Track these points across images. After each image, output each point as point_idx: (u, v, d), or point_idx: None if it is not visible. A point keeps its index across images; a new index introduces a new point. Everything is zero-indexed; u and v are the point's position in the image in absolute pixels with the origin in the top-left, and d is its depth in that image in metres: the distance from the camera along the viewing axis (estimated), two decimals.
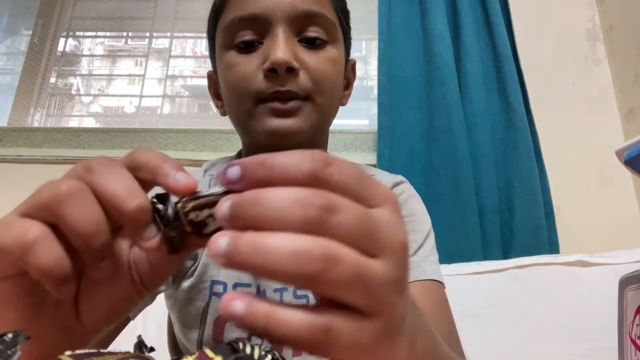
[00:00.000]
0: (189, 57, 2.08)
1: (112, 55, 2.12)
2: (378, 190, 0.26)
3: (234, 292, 0.24)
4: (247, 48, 0.58)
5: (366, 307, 0.24)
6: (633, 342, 0.54)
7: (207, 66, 2.11)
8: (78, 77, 2.05)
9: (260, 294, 0.59)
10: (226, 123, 1.80)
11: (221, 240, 0.23)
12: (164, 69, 1.91)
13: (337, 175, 0.24)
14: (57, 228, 0.28)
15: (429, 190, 1.43)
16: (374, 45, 1.69)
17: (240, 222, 0.23)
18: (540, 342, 1.06)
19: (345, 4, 0.68)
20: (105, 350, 0.26)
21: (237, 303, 0.23)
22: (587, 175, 1.52)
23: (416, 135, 1.48)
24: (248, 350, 0.24)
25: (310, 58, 0.58)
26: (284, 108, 0.55)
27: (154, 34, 1.93)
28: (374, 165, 1.47)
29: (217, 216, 0.24)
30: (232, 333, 0.59)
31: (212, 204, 0.26)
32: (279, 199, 0.23)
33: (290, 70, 0.55)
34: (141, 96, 1.85)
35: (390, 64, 1.55)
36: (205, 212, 0.27)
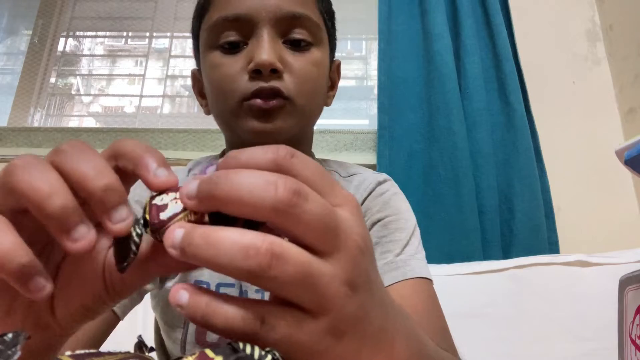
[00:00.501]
0: (189, 57, 2.07)
1: (112, 55, 2.12)
2: (340, 190, 0.26)
3: (181, 284, 0.24)
4: (232, 49, 0.58)
5: (311, 305, 0.24)
6: (633, 342, 0.54)
7: None
8: (78, 77, 2.05)
9: (242, 294, 0.59)
10: None
11: (177, 232, 0.23)
12: (164, 68, 1.91)
13: (300, 167, 0.25)
14: (24, 217, 0.26)
15: (428, 190, 1.43)
16: (374, 45, 1.69)
17: (207, 202, 0.24)
18: (540, 342, 1.06)
19: (330, 5, 0.67)
20: (106, 351, 0.26)
21: (183, 293, 0.23)
22: (587, 175, 1.52)
23: (416, 135, 1.48)
24: (248, 350, 0.24)
25: (295, 60, 0.58)
26: (266, 108, 0.55)
27: (154, 34, 1.93)
28: (374, 166, 1.47)
29: (183, 194, 0.24)
30: (214, 334, 0.59)
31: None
32: (252, 178, 0.23)
33: (275, 72, 0.55)
34: (141, 96, 1.85)
35: (390, 63, 1.55)
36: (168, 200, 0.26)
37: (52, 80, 1.90)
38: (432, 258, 1.36)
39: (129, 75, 2.09)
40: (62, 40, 1.93)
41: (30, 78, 1.83)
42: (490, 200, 1.39)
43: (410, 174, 1.45)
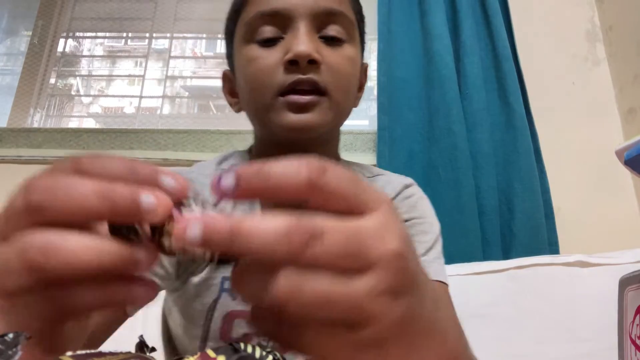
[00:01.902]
0: (189, 57, 2.08)
1: (112, 55, 2.12)
2: (372, 195, 0.25)
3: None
4: (267, 44, 0.58)
5: (349, 322, 0.24)
6: (633, 342, 0.54)
7: (207, 67, 2.11)
8: (78, 78, 2.05)
9: None
10: (226, 123, 1.80)
11: (194, 225, 0.22)
12: (163, 69, 1.91)
13: (333, 183, 0.24)
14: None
15: (428, 190, 1.41)
16: (374, 45, 1.69)
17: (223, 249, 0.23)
18: (540, 342, 1.06)
19: (361, 8, 0.68)
20: (107, 351, 0.26)
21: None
22: (587, 175, 1.52)
23: (416, 135, 1.48)
24: (249, 350, 0.24)
25: (331, 54, 0.58)
26: (302, 101, 0.55)
27: (154, 35, 1.93)
28: (374, 167, 1.47)
29: (185, 237, 0.22)
30: (240, 329, 0.59)
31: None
32: (263, 232, 0.22)
33: (312, 62, 0.55)
34: (141, 97, 1.85)
35: (389, 64, 1.55)
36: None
37: (52, 81, 1.90)
38: None
39: (129, 76, 2.09)
40: (61, 41, 1.93)
41: (30, 79, 1.83)
42: (490, 200, 1.39)
43: (410, 175, 1.42)
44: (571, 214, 1.46)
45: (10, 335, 0.24)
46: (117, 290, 0.24)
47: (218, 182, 0.23)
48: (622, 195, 1.50)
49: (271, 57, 0.57)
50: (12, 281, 0.23)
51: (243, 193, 0.23)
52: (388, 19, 1.59)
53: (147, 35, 1.93)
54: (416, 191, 0.70)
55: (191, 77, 2.03)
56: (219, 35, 2.08)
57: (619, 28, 1.61)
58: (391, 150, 1.47)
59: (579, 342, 1.04)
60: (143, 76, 1.88)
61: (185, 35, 1.99)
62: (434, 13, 1.54)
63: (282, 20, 0.57)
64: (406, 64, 1.55)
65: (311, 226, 0.23)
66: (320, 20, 0.58)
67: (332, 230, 0.23)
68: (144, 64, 1.90)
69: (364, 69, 0.71)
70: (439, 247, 0.66)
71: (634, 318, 0.55)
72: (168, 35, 1.94)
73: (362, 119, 1.76)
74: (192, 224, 0.22)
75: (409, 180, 0.72)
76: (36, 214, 0.24)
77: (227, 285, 0.60)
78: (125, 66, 2.08)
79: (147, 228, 0.24)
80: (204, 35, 2.03)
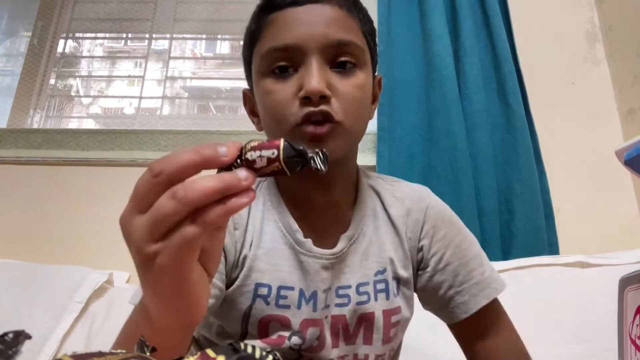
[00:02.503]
0: (189, 58, 2.08)
1: (112, 56, 2.12)
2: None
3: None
4: (282, 72, 0.61)
5: None
6: (633, 342, 0.54)
7: (207, 67, 2.11)
8: (77, 79, 2.05)
9: (301, 294, 0.65)
10: (226, 124, 1.80)
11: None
12: (163, 70, 1.91)
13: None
14: None
15: None
16: None
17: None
18: (540, 343, 1.06)
19: (372, 24, 0.70)
20: (107, 351, 0.26)
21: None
22: (586, 176, 1.52)
23: (416, 136, 1.48)
24: (249, 350, 0.24)
25: (341, 85, 0.61)
26: (318, 133, 0.59)
27: (154, 35, 1.93)
28: (374, 167, 1.47)
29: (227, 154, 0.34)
30: (275, 330, 0.64)
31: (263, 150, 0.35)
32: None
33: (323, 97, 0.59)
34: (141, 97, 1.85)
35: (389, 65, 1.55)
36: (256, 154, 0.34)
37: (52, 81, 1.90)
38: None
39: (129, 76, 2.09)
40: (61, 42, 1.93)
41: (30, 80, 1.83)
42: (490, 201, 1.39)
43: (410, 175, 1.45)
44: (571, 215, 1.46)
45: (10, 335, 0.24)
46: (232, 199, 0.33)
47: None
48: (622, 195, 1.50)
49: (286, 91, 0.60)
50: (169, 218, 0.32)
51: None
52: (388, 19, 1.59)
53: (147, 36, 1.93)
54: (440, 204, 0.77)
55: (191, 78, 2.03)
56: (219, 36, 2.08)
57: (618, 28, 1.61)
58: (391, 151, 1.47)
59: (579, 343, 1.04)
60: (143, 77, 1.88)
61: (184, 35, 1.99)
62: (433, 14, 1.54)
63: (295, 54, 0.60)
64: (406, 64, 1.55)
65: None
66: (331, 51, 0.61)
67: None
68: (143, 65, 1.90)
69: (378, 80, 0.73)
70: (483, 252, 0.73)
71: (634, 318, 0.55)
72: (168, 36, 1.94)
73: None
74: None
75: (428, 190, 0.78)
76: (162, 176, 0.33)
77: (260, 291, 0.64)
78: (125, 67, 2.08)
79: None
80: (204, 36, 2.03)
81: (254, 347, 0.25)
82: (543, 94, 1.58)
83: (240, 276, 0.64)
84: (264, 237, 0.66)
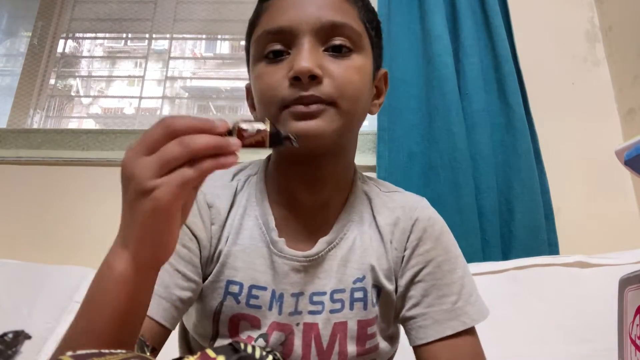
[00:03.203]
0: (189, 58, 2.08)
1: (112, 56, 2.12)
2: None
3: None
4: (276, 57, 0.60)
5: None
6: (633, 342, 0.54)
7: (207, 67, 2.11)
8: (77, 79, 2.05)
9: (273, 295, 0.63)
10: None
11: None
12: (163, 70, 1.92)
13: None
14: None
15: (428, 191, 1.43)
16: None
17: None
18: (540, 343, 1.06)
19: (375, 16, 0.69)
20: (107, 351, 0.26)
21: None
22: (586, 176, 1.52)
23: (415, 136, 1.48)
24: (249, 350, 0.24)
25: (335, 66, 0.59)
26: (306, 111, 0.57)
27: (154, 36, 1.93)
28: (374, 167, 1.47)
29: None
30: (245, 331, 0.62)
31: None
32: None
33: (314, 78, 0.57)
34: (141, 97, 1.85)
35: (389, 65, 1.55)
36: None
37: (52, 81, 1.90)
38: None
39: (129, 76, 2.09)
40: (61, 42, 1.93)
41: (30, 80, 1.83)
42: (490, 201, 1.39)
43: (410, 175, 1.45)
44: (571, 215, 1.46)
45: (10, 335, 0.24)
46: (222, 157, 0.40)
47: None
48: (622, 195, 1.50)
49: (277, 73, 0.59)
50: (174, 160, 0.39)
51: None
52: (388, 20, 1.59)
53: (147, 36, 1.93)
54: (434, 218, 0.70)
55: (191, 78, 2.03)
56: (219, 36, 2.08)
57: (618, 28, 1.61)
58: (391, 151, 1.47)
59: (579, 343, 1.04)
60: (143, 77, 1.88)
61: (184, 36, 1.99)
62: (433, 14, 1.54)
63: (287, 37, 0.59)
64: (406, 64, 1.55)
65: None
66: (325, 33, 0.59)
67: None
68: (143, 65, 1.90)
69: (382, 75, 0.70)
70: (471, 280, 0.67)
71: (634, 318, 0.55)
72: (168, 36, 1.94)
73: None
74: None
75: (423, 202, 0.72)
76: (171, 128, 0.40)
77: (231, 289, 0.62)
78: (125, 67, 2.09)
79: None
80: (204, 36, 2.03)
81: (254, 347, 0.25)
82: (543, 94, 1.58)
83: (214, 272, 0.63)
84: (242, 234, 0.64)
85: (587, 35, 1.69)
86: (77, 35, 1.99)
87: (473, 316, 0.63)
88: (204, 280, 0.63)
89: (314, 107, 0.57)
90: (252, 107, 0.69)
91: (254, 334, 0.62)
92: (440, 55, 1.49)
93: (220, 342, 0.62)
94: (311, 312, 0.62)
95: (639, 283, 0.56)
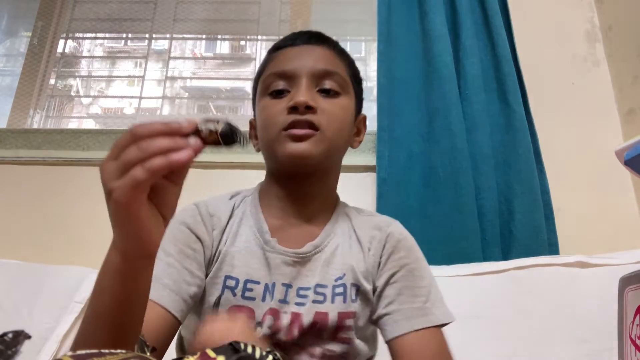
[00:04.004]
0: (189, 58, 2.08)
1: (112, 56, 2.12)
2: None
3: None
4: (278, 95, 0.75)
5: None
6: (633, 342, 0.54)
7: (207, 67, 2.12)
8: (77, 79, 2.05)
9: (266, 288, 0.72)
10: None
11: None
12: (163, 70, 1.92)
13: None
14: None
15: (428, 191, 1.43)
16: (373, 46, 1.69)
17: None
18: (540, 343, 1.06)
19: (358, 72, 0.84)
20: (106, 351, 0.26)
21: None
22: (586, 176, 1.52)
23: (415, 136, 1.48)
24: (249, 350, 0.24)
25: (325, 103, 0.74)
26: (299, 134, 0.70)
27: (154, 36, 1.93)
28: (374, 167, 1.47)
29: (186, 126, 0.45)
30: None
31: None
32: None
33: (309, 108, 0.71)
34: (141, 97, 1.85)
35: (389, 65, 1.55)
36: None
37: (52, 81, 1.90)
38: (432, 259, 1.34)
39: (129, 76, 2.09)
40: (61, 42, 1.93)
41: (30, 80, 1.83)
42: (490, 201, 1.39)
43: (410, 175, 1.45)
44: (571, 215, 1.46)
45: (10, 335, 0.24)
46: (172, 154, 0.42)
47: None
48: (622, 195, 1.50)
49: (279, 105, 0.73)
50: (130, 163, 0.41)
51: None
52: (388, 20, 1.59)
53: (147, 36, 1.93)
54: (405, 234, 0.81)
55: (191, 78, 2.03)
56: (219, 36, 2.08)
57: (618, 28, 1.62)
58: (391, 151, 1.47)
59: (579, 343, 1.04)
60: (143, 77, 1.88)
61: (184, 36, 1.99)
62: (433, 14, 1.54)
63: (289, 78, 0.74)
64: (406, 65, 1.55)
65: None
66: (318, 77, 0.75)
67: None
68: (143, 65, 1.90)
69: (362, 119, 0.86)
70: (437, 289, 0.76)
71: (634, 318, 0.55)
72: (168, 36, 1.94)
73: None
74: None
75: (397, 222, 0.83)
76: (136, 136, 0.42)
77: (228, 283, 0.71)
78: (125, 67, 2.09)
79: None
80: (204, 36, 2.03)
81: (254, 347, 0.25)
82: (543, 94, 1.58)
83: (214, 269, 0.72)
84: (239, 238, 0.75)
85: (587, 35, 1.69)
86: (77, 35, 1.99)
87: (440, 317, 0.71)
88: (206, 278, 0.73)
89: (304, 132, 0.70)
90: (255, 137, 0.83)
91: (251, 324, 0.69)
92: (440, 55, 1.49)
93: None
94: (297, 304, 0.71)
95: (639, 283, 0.56)
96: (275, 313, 0.70)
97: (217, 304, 0.70)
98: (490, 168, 1.42)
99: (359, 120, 0.85)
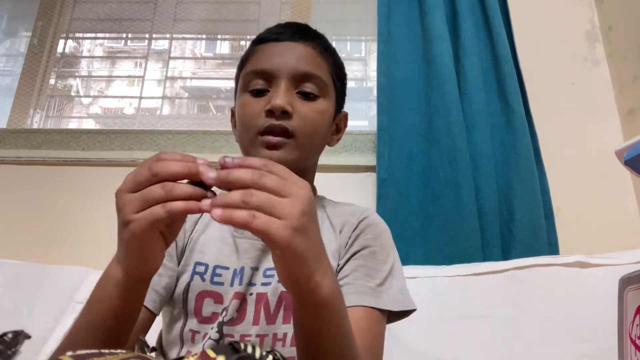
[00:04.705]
0: (189, 58, 2.08)
1: (112, 56, 2.12)
2: (294, 188, 0.47)
3: (208, 200, 0.45)
4: (258, 94, 0.75)
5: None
6: (633, 342, 0.54)
7: (207, 67, 2.12)
8: (77, 79, 2.05)
9: (236, 273, 0.73)
10: (226, 124, 1.81)
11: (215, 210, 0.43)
12: (163, 70, 1.92)
13: (268, 183, 0.45)
14: None
15: (428, 191, 1.43)
16: (373, 46, 1.69)
17: (221, 184, 0.46)
18: (540, 343, 1.06)
19: (341, 70, 0.85)
20: (106, 351, 0.26)
21: (216, 210, 0.43)
22: (586, 176, 1.52)
23: (415, 136, 1.48)
24: (249, 350, 0.24)
25: (303, 107, 0.74)
26: (273, 142, 0.72)
27: (154, 36, 1.93)
28: (374, 167, 1.48)
29: (208, 176, 0.45)
30: (208, 307, 0.71)
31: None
32: (245, 174, 0.45)
33: (285, 113, 0.72)
34: (141, 97, 1.85)
35: (389, 65, 1.55)
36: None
37: (52, 81, 1.90)
38: (432, 259, 1.36)
39: (129, 76, 2.09)
40: (61, 42, 1.93)
41: (30, 80, 1.83)
42: (490, 201, 1.39)
43: (410, 175, 1.45)
44: (571, 215, 1.46)
45: (10, 335, 0.24)
46: (192, 204, 0.45)
47: (224, 160, 0.46)
48: (622, 195, 1.50)
49: (257, 105, 0.74)
50: (154, 200, 0.45)
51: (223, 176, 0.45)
52: (387, 19, 1.59)
53: (147, 36, 1.93)
54: (379, 221, 0.81)
55: (191, 78, 2.03)
56: (219, 36, 2.08)
57: (618, 28, 1.62)
58: (391, 151, 1.47)
59: (579, 343, 1.04)
60: (143, 77, 1.88)
61: (184, 36, 1.99)
62: (433, 14, 1.54)
63: (269, 77, 0.75)
64: (406, 64, 1.55)
65: (251, 193, 0.44)
66: (298, 79, 0.75)
67: (259, 195, 0.44)
68: (143, 65, 1.90)
69: (343, 116, 0.87)
70: (399, 279, 0.76)
71: (634, 318, 0.55)
72: (168, 36, 1.94)
73: (362, 120, 1.76)
74: (208, 171, 0.46)
75: (371, 210, 0.84)
76: (158, 176, 0.46)
77: (198, 269, 0.73)
78: (125, 67, 2.09)
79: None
80: (204, 36, 2.03)
81: (254, 347, 0.25)
82: (543, 94, 1.58)
83: (185, 257, 0.75)
84: (211, 226, 0.77)
85: (587, 35, 1.69)
86: (77, 35, 1.99)
87: (387, 303, 0.71)
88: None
89: (278, 139, 0.72)
90: (234, 126, 0.84)
91: (218, 309, 0.71)
92: (440, 55, 1.49)
93: (189, 326, 0.71)
94: (263, 284, 0.72)
95: (639, 283, 0.56)
96: (240, 296, 0.71)
97: (186, 290, 0.72)
98: (490, 168, 1.42)
99: (339, 118, 0.86)
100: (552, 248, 1.38)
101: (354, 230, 0.78)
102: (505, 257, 1.35)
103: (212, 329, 0.70)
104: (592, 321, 1.05)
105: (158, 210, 0.45)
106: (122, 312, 0.52)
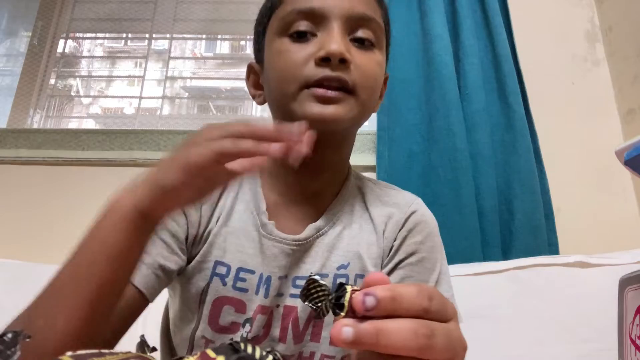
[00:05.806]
0: (189, 58, 2.08)
1: (112, 56, 2.12)
2: (450, 307, 0.34)
3: (340, 321, 0.30)
4: (300, 38, 0.60)
5: None
6: (633, 342, 0.54)
7: (207, 67, 2.11)
8: (77, 79, 2.05)
9: (260, 279, 0.62)
10: None
11: (346, 329, 0.29)
12: (163, 70, 1.91)
13: (435, 309, 0.32)
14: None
15: (428, 191, 1.43)
16: None
17: (368, 345, 0.30)
18: (540, 343, 1.06)
19: (389, 21, 0.71)
20: (107, 351, 0.26)
21: (346, 330, 0.29)
22: (586, 176, 1.52)
23: (415, 136, 1.48)
24: (249, 350, 0.24)
25: (360, 56, 0.61)
26: (328, 96, 0.58)
27: (154, 36, 1.93)
28: (373, 167, 1.47)
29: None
30: (228, 316, 0.62)
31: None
32: (401, 329, 0.30)
33: (343, 62, 0.58)
34: (141, 97, 1.85)
35: (389, 65, 1.54)
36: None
37: (52, 81, 1.90)
38: None
39: (129, 76, 2.09)
40: (61, 42, 1.93)
41: (30, 79, 1.83)
42: (490, 201, 1.39)
43: (410, 175, 1.45)
44: (571, 215, 1.46)
45: (9, 335, 0.24)
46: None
47: (363, 302, 0.30)
48: (622, 195, 1.50)
49: (303, 52, 0.59)
50: (234, 134, 0.44)
51: (379, 312, 0.30)
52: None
53: (147, 36, 1.93)
54: (428, 216, 0.72)
55: (191, 78, 2.03)
56: (219, 36, 2.08)
57: (618, 28, 1.61)
58: (391, 151, 1.47)
59: (579, 343, 1.04)
60: (143, 77, 1.88)
61: (184, 36, 1.99)
62: (433, 14, 1.53)
63: (317, 19, 0.60)
64: (406, 64, 1.55)
65: (430, 329, 0.30)
66: (353, 23, 0.61)
67: (440, 333, 0.31)
68: (143, 65, 1.90)
69: (386, 77, 0.73)
70: (446, 286, 0.68)
71: (634, 318, 0.55)
72: (168, 36, 1.94)
73: None
74: (345, 328, 0.29)
75: (419, 200, 0.74)
76: (228, 134, 0.44)
77: (218, 269, 0.62)
78: (125, 67, 2.09)
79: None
80: (204, 36, 2.03)
81: (254, 347, 0.25)
82: (543, 94, 1.58)
83: (201, 251, 0.63)
84: (233, 216, 0.65)
85: (587, 35, 1.69)
86: (77, 35, 1.99)
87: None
88: (190, 261, 0.63)
89: (335, 93, 0.58)
90: (255, 86, 0.70)
91: (240, 319, 0.62)
92: (440, 55, 1.49)
93: (203, 332, 0.62)
94: (292, 295, 0.63)
95: (639, 283, 0.56)
96: (267, 311, 0.62)
97: (205, 292, 0.62)
98: (490, 168, 1.42)
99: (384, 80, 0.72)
100: (552, 248, 1.38)
101: (400, 230, 0.68)
102: (505, 257, 1.35)
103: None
104: (592, 321, 1.05)
105: (226, 142, 0.43)
106: (128, 252, 0.46)
